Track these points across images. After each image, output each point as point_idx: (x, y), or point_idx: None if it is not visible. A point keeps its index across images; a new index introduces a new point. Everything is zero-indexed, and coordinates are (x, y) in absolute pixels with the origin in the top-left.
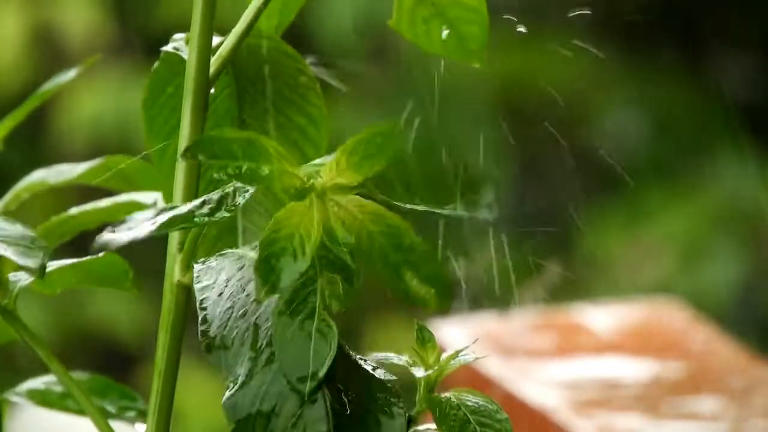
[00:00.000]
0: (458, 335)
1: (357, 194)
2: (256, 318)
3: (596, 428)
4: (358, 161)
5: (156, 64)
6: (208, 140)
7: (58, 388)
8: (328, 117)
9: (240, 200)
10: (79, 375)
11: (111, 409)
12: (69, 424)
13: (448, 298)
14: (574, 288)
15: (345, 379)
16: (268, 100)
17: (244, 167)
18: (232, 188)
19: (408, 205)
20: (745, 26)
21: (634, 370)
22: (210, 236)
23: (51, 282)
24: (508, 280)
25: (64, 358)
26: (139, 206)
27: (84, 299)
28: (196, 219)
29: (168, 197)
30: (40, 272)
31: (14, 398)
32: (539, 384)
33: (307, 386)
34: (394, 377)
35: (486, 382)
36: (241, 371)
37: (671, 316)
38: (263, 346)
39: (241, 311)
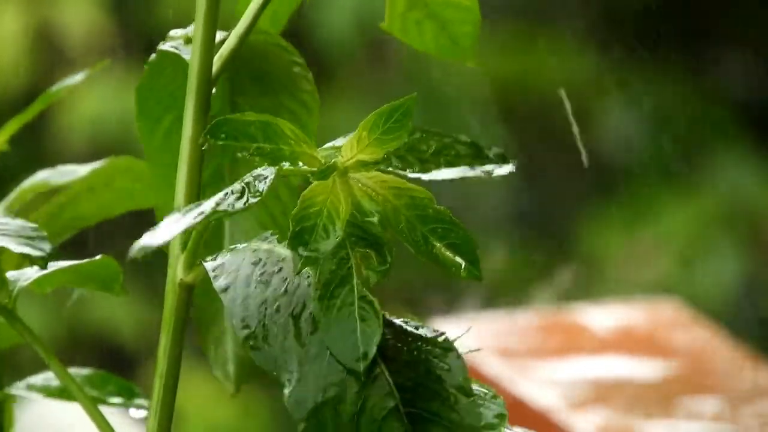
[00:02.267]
0: (458, 335)
1: (376, 170)
2: (293, 309)
3: (596, 428)
4: (379, 136)
5: (153, 57)
6: (227, 123)
7: (56, 383)
8: (319, 103)
9: (262, 186)
10: (78, 370)
11: (109, 399)
12: (70, 423)
13: (478, 265)
14: (574, 288)
15: (397, 346)
16: (261, 85)
17: (267, 148)
18: (251, 177)
19: (426, 176)
20: (745, 26)
21: (634, 370)
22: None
23: (42, 282)
24: (508, 280)
25: (64, 359)
26: (137, 191)
27: (85, 299)
28: (223, 210)
29: (161, 181)
30: (44, 261)
31: (15, 392)
32: (539, 383)
33: (362, 367)
34: (442, 331)
35: (486, 382)
36: (293, 366)
37: (671, 316)
38: (308, 336)
39: (275, 306)
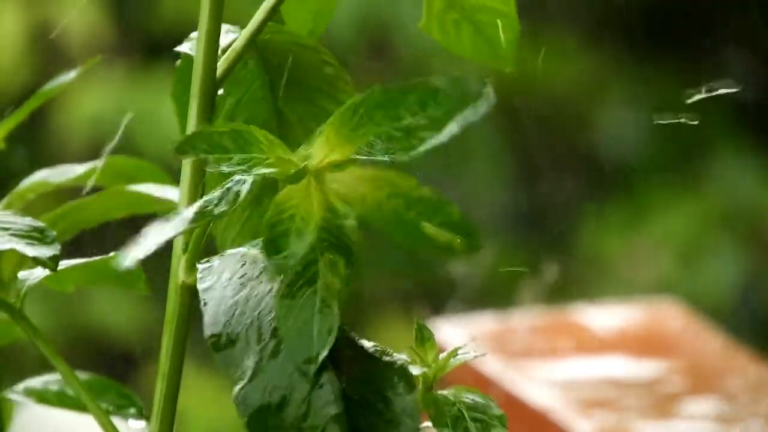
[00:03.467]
0: (458, 335)
1: (352, 166)
2: (259, 312)
3: (596, 428)
4: (348, 133)
5: (178, 62)
6: (197, 136)
7: (56, 387)
8: None
9: (242, 191)
10: (79, 374)
11: (109, 408)
12: (70, 423)
13: (476, 238)
14: (574, 288)
15: (351, 362)
16: (298, 90)
17: (236, 158)
18: (231, 183)
19: (407, 155)
20: (745, 26)
21: (634, 370)
22: (252, 223)
23: (64, 280)
24: (508, 280)
25: (64, 359)
26: (137, 196)
27: (85, 299)
28: (205, 216)
29: None
30: (54, 263)
31: (13, 396)
32: (539, 384)
33: (312, 368)
34: (403, 358)
35: (486, 382)
36: (248, 365)
37: (671, 316)
38: (267, 339)
39: (244, 308)
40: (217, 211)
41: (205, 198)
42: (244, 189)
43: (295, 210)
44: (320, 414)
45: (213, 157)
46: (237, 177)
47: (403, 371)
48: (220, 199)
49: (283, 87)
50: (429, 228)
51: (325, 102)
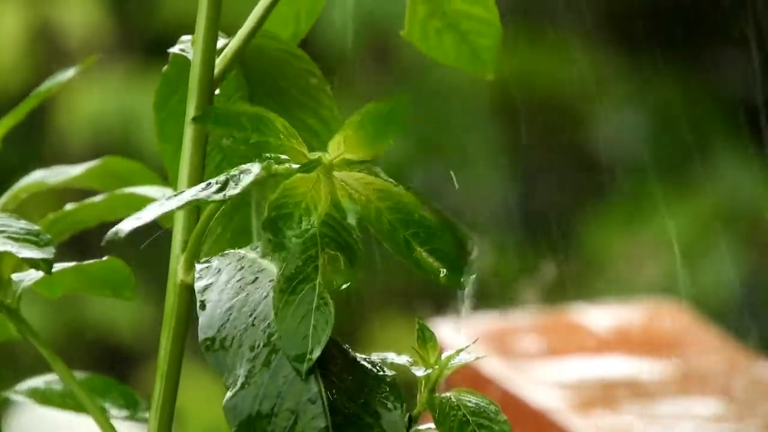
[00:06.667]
0: (458, 335)
1: (363, 171)
2: (254, 318)
3: (596, 428)
4: (367, 136)
5: (165, 67)
6: (218, 111)
7: (59, 387)
8: (338, 118)
9: (246, 180)
10: (80, 374)
11: (111, 408)
12: (69, 423)
13: (460, 273)
14: (574, 288)
15: (342, 374)
16: (279, 102)
17: (254, 138)
18: (237, 171)
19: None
20: (745, 26)
21: (634, 370)
22: (224, 239)
23: (52, 284)
24: (508, 280)
25: (63, 358)
26: (136, 198)
27: (85, 298)
28: (203, 198)
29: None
30: (48, 266)
31: (15, 397)
32: (539, 384)
33: (305, 365)
34: (393, 373)
35: (486, 382)
36: (241, 372)
37: (671, 316)
38: (261, 346)
39: (240, 312)
40: (217, 196)
41: (207, 182)
42: (250, 178)
43: (301, 197)
44: (308, 426)
45: (228, 132)
46: (243, 166)
47: (392, 385)
48: (224, 184)
49: (264, 97)
50: (419, 250)
51: (307, 116)
